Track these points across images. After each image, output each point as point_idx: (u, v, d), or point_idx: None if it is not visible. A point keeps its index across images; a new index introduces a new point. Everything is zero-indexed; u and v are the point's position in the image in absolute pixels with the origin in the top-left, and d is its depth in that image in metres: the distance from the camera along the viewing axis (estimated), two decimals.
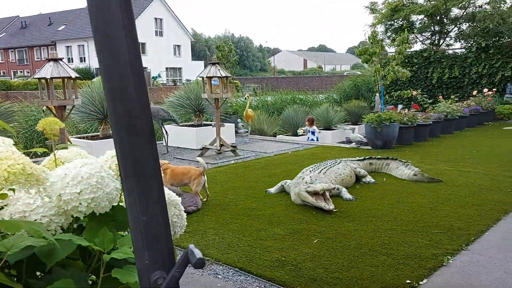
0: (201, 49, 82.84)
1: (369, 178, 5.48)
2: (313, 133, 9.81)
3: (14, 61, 62.72)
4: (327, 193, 4.42)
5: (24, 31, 64.48)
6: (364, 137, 8.40)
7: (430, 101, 11.43)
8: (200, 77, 7.46)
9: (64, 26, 59.44)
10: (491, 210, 4.19)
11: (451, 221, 3.91)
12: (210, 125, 9.01)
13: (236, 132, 10.79)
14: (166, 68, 57.16)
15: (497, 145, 8.08)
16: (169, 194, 1.26)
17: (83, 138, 7.94)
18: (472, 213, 4.13)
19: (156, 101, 14.72)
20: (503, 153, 7.23)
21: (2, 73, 61.02)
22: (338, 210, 4.30)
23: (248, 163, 7.09)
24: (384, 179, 5.58)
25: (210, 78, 7.51)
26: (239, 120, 10.76)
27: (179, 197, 1.33)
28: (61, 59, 5.98)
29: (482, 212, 4.12)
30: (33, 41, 61.19)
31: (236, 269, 3.11)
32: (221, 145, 7.73)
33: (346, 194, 4.76)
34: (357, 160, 5.95)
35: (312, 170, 5.14)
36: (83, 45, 56.14)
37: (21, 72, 61.66)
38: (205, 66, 7.12)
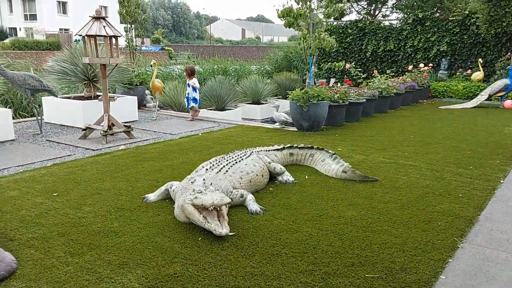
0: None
1: (287, 177, 4.16)
2: (194, 89, 7.63)
3: None
4: (224, 208, 3.04)
5: None
6: (289, 116, 7.12)
7: (364, 75, 10.40)
8: (79, 35, 5.66)
9: None
10: (443, 232, 3.03)
11: (391, 254, 2.69)
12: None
13: (144, 105, 9.07)
14: None
15: (436, 129, 7.17)
16: None
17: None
18: (419, 237, 2.94)
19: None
20: (443, 139, 6.28)
21: None
22: (234, 234, 2.93)
23: (140, 149, 5.51)
24: (307, 177, 4.30)
25: (92, 37, 5.73)
26: (147, 92, 9.02)
27: None
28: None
29: (432, 237, 2.96)
30: None
31: None
32: (111, 125, 6.05)
33: (252, 204, 3.40)
34: (274, 149, 4.61)
35: (211, 167, 3.71)
36: None
37: None
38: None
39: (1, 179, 4.20)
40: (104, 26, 5.63)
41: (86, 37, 5.64)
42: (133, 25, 9.09)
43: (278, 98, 12.78)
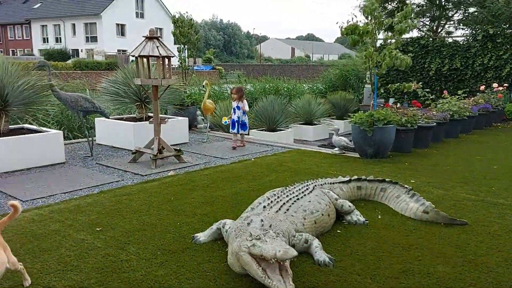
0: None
1: (357, 216, 3.58)
2: (244, 113, 6.90)
3: None
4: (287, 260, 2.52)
5: None
6: (350, 140, 6.51)
7: (432, 96, 9.57)
8: (132, 55, 5.45)
9: (40, 3, 56.14)
10: None
11: None
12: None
13: (195, 126, 8.81)
14: None
15: None
16: None
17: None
18: None
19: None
20: None
21: None
22: None
23: (190, 175, 5.14)
24: (380, 217, 3.69)
25: (145, 57, 5.51)
26: (198, 112, 8.77)
27: None
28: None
29: None
30: (6, 19, 57.76)
31: None
32: (161, 149, 5.76)
33: (319, 253, 2.85)
34: (339, 182, 4.05)
35: (269, 204, 3.21)
36: (59, 25, 53.07)
37: None
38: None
39: (46, 208, 3.94)
40: (157, 47, 5.38)
41: (139, 57, 5.42)
42: (186, 45, 8.93)
43: (332, 119, 12.17)
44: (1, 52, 56.17)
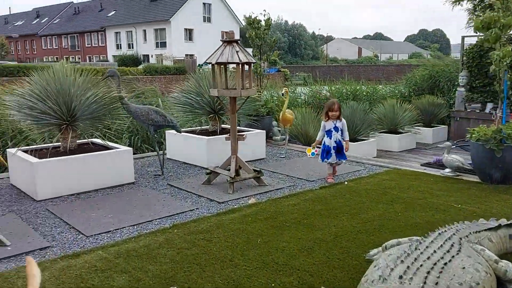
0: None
1: None
2: (339, 131, 5.23)
3: (66, 47, 63.41)
4: None
5: (76, 17, 64.99)
6: (469, 163, 5.29)
7: None
8: (208, 63, 4.73)
9: (114, 11, 58.98)
10: None
11: None
12: (226, 130, 6.25)
13: (270, 137, 7.98)
14: None
15: None
16: None
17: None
18: None
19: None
20: None
21: (55, 59, 61.80)
22: None
23: (275, 204, 4.29)
24: None
25: (222, 64, 4.77)
26: (274, 123, 7.94)
27: None
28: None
29: None
30: (84, 27, 61.39)
31: None
32: (238, 169, 4.99)
33: None
34: (485, 230, 2.97)
35: (406, 271, 2.24)
36: (131, 31, 55.35)
37: (73, 58, 62.18)
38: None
39: (111, 248, 3.29)
40: (237, 52, 4.61)
41: (215, 65, 4.68)
42: (261, 48, 8.15)
43: (419, 127, 10.80)
44: (79, 58, 59.79)
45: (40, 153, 5.01)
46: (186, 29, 51.56)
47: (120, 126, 6.38)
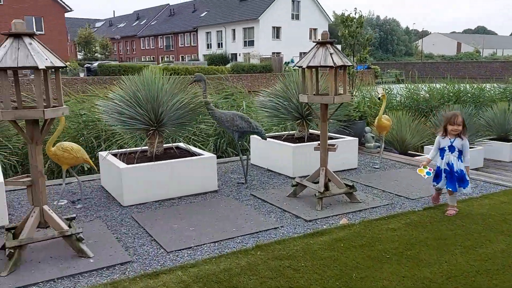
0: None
1: None
2: (458, 152, 4.16)
3: (162, 47, 67.31)
4: None
5: (172, 18, 68.64)
6: None
7: None
8: (298, 66, 4.34)
9: (206, 12, 61.21)
10: None
11: None
12: (317, 136, 5.78)
13: (363, 144, 7.36)
14: (300, 53, 54.72)
15: None
16: None
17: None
18: None
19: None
20: None
21: (152, 59, 65.99)
22: None
23: (371, 229, 3.77)
24: None
25: (313, 68, 4.34)
26: (368, 128, 7.30)
27: None
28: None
29: None
30: (178, 28, 64.59)
31: None
32: (327, 182, 4.53)
33: None
34: None
35: None
36: (221, 31, 57.02)
37: (167, 57, 65.88)
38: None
39: (190, 269, 3.06)
40: (331, 54, 4.15)
41: (306, 68, 4.27)
42: (354, 47, 7.55)
43: None
44: (173, 58, 63.06)
45: (128, 157, 5.03)
46: (274, 27, 51.74)
47: (206, 129, 6.26)
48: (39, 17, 39.03)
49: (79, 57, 57.72)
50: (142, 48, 70.69)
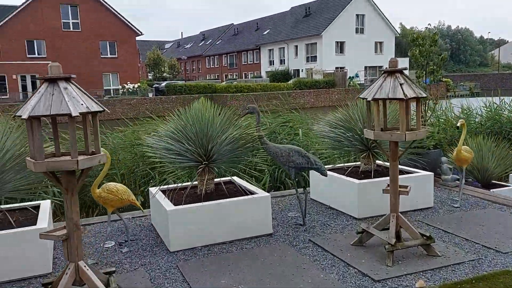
0: (407, 45, 75.08)
1: None
2: None
3: (226, 65, 68.90)
4: None
5: (235, 37, 70.19)
6: None
7: None
8: (363, 98, 3.80)
9: (269, 30, 61.85)
10: None
11: None
12: (388, 169, 5.10)
13: (438, 175, 6.52)
14: (365, 67, 53.22)
15: None
16: None
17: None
18: None
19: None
20: None
21: (216, 77, 67.74)
22: None
23: None
24: None
25: (380, 101, 3.77)
26: (444, 158, 6.47)
27: None
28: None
29: None
30: (241, 46, 65.84)
31: None
32: (399, 230, 3.89)
33: None
34: None
35: None
36: (283, 48, 57.18)
37: (231, 75, 67.26)
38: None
39: None
40: (401, 84, 3.57)
41: (372, 101, 3.71)
42: (427, 68, 6.80)
43: None
44: (236, 75, 64.17)
45: (178, 194, 4.74)
46: (337, 42, 50.87)
47: (261, 159, 5.84)
48: (113, 42, 41.59)
49: (150, 77, 60.75)
50: (207, 67, 72.87)
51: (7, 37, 36.81)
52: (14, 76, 34.97)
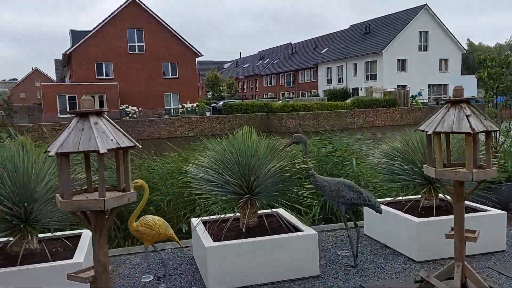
0: (475, 61, 71.09)
1: None
2: None
3: (283, 83, 69.15)
4: None
5: (293, 56, 70.42)
6: None
7: None
8: (422, 130, 3.37)
9: (327, 48, 61.40)
10: None
11: None
12: (451, 206, 4.50)
13: (510, 211, 5.78)
14: (429, 85, 50.96)
15: None
16: None
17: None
18: None
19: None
20: None
21: (273, 95, 68.08)
22: None
23: None
24: None
25: (442, 134, 3.32)
26: None
27: None
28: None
29: None
30: (299, 65, 65.87)
31: None
32: (465, 283, 3.36)
33: None
34: None
35: None
36: (341, 66, 56.40)
37: (288, 93, 67.30)
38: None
39: None
40: (467, 116, 3.11)
41: (433, 135, 3.27)
42: (497, 91, 6.12)
43: None
44: (293, 94, 64.03)
45: (219, 227, 4.51)
46: (398, 60, 49.29)
47: (309, 191, 5.48)
48: (174, 63, 43.24)
49: (209, 96, 62.43)
50: (264, 85, 73.56)
51: (79, 60, 39.53)
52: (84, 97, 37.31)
